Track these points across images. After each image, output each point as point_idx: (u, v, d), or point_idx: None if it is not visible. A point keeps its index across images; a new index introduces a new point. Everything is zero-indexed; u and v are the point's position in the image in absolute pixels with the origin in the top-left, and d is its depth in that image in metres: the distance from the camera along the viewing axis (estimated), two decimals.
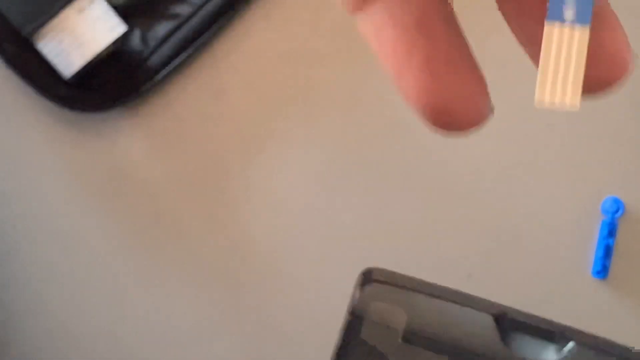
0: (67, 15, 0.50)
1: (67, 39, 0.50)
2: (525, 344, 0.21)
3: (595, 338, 0.22)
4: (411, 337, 0.22)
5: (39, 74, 0.51)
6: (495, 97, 0.58)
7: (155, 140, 0.52)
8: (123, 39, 0.51)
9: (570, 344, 0.21)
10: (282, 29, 0.52)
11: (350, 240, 0.52)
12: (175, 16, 0.52)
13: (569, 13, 0.21)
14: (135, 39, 0.52)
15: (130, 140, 0.52)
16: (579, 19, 0.21)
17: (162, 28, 0.52)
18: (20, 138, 0.52)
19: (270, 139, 0.52)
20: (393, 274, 0.24)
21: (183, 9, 0.52)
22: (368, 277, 0.23)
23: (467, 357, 0.21)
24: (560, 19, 0.21)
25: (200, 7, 0.52)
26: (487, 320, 0.21)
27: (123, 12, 0.51)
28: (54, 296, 0.52)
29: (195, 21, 0.52)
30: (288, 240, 0.52)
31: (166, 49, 0.52)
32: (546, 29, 0.21)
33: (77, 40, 0.50)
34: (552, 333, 0.21)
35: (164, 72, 0.52)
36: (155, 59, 0.52)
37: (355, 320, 0.23)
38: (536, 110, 0.51)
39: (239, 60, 0.52)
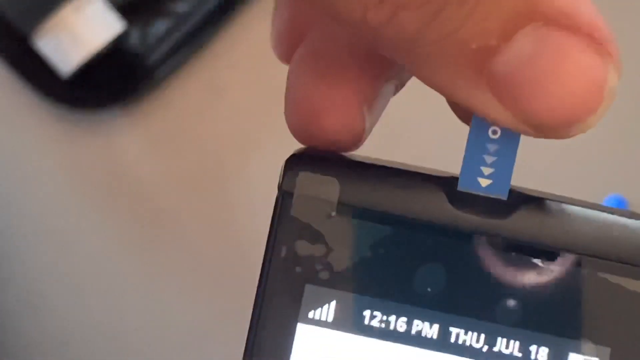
0: (65, 13, 0.50)
1: (65, 37, 0.50)
2: (476, 203, 0.20)
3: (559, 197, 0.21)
4: (346, 208, 0.20)
5: (36, 72, 0.51)
6: None
7: (154, 139, 0.52)
8: (121, 37, 0.51)
9: (525, 200, 0.20)
10: None
11: None
12: (173, 14, 0.52)
13: (484, 181, 0.20)
14: (134, 37, 0.52)
15: (129, 138, 0.52)
16: (496, 188, 0.20)
17: (160, 26, 0.52)
18: (17, 136, 0.52)
19: (269, 138, 0.52)
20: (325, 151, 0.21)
21: (182, 7, 0.52)
22: (298, 153, 0.21)
23: (410, 225, 0.20)
24: (475, 187, 0.20)
25: (199, 5, 0.52)
26: (433, 181, 0.20)
27: (121, 10, 0.51)
28: (50, 296, 0.52)
29: (194, 19, 0.52)
30: None
31: (165, 47, 0.52)
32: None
33: (75, 38, 0.50)
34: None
35: (162, 70, 0.52)
36: (153, 57, 0.52)
37: (283, 198, 0.21)
38: None
39: (238, 59, 0.52)
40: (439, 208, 0.20)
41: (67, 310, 0.52)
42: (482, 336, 0.20)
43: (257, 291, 0.21)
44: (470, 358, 0.20)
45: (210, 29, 0.52)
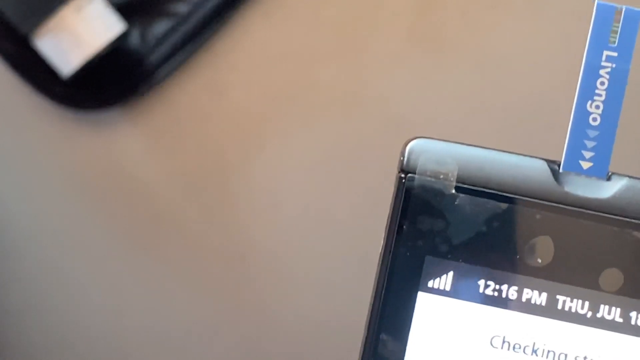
0: (66, 14, 0.50)
1: (65, 37, 0.50)
2: (580, 183, 0.22)
3: None
4: (463, 187, 0.22)
5: (36, 73, 0.51)
6: (496, 95, 0.58)
7: (154, 139, 0.52)
8: (122, 38, 0.51)
9: (624, 180, 0.22)
10: (282, 27, 0.52)
11: (351, 240, 0.51)
12: (173, 14, 0.52)
13: (585, 164, 0.23)
14: (134, 38, 0.52)
15: (129, 139, 0.52)
16: (596, 170, 0.23)
17: (161, 26, 0.52)
18: (17, 137, 0.52)
19: (270, 138, 0.52)
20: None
21: (182, 7, 0.52)
22: (418, 137, 0.24)
23: (522, 202, 0.22)
24: (577, 169, 0.23)
25: (200, 5, 0.52)
26: (540, 164, 0.22)
27: (121, 10, 0.51)
28: (51, 296, 0.52)
29: (194, 19, 0.52)
30: (288, 240, 0.52)
31: (165, 48, 0.52)
32: None
33: (75, 38, 0.50)
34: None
35: (163, 70, 0.52)
36: (154, 58, 0.52)
37: (405, 177, 0.23)
38: (535, 111, 0.51)
39: (239, 59, 0.52)
40: (546, 187, 0.22)
41: (67, 310, 0.52)
42: (587, 303, 0.22)
43: (380, 263, 0.23)
44: (575, 323, 0.22)
45: (210, 29, 0.52)
